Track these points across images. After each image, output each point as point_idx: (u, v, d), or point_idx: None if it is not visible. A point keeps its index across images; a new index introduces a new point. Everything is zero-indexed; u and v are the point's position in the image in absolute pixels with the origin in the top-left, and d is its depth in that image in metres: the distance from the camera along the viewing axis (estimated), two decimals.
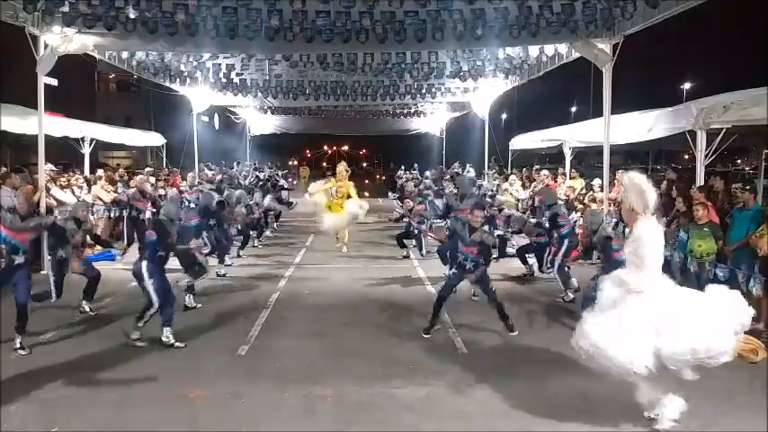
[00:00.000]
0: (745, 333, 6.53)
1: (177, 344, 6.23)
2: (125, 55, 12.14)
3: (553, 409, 4.79)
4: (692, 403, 4.44)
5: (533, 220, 9.66)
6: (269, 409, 4.87)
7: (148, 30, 9.00)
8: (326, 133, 31.37)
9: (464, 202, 8.26)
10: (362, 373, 5.57)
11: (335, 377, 5.48)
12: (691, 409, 4.77)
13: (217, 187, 13.01)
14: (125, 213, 11.14)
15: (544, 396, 5.07)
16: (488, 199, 10.96)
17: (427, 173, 17.44)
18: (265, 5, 8.79)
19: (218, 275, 9.45)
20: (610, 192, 10.55)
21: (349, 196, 11.81)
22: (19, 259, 6.08)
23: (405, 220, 11.95)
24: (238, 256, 11.28)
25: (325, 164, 37.56)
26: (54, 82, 20.32)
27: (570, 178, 13.85)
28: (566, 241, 8.54)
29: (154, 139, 19.36)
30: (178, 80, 14.13)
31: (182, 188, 12.95)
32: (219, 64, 13.23)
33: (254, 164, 22.35)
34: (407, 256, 11.45)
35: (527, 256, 9.57)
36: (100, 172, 14.11)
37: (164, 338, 6.24)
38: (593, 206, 10.66)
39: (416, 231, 11.37)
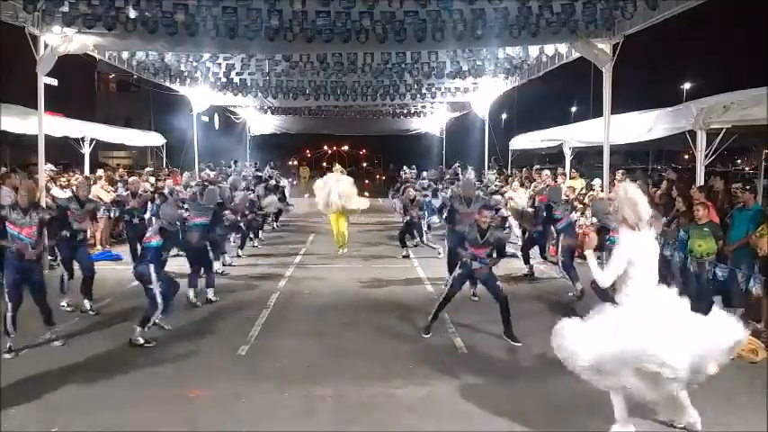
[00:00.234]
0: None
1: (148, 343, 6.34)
2: (125, 55, 12.15)
3: (553, 410, 4.80)
4: (693, 403, 4.44)
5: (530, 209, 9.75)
6: (269, 409, 4.87)
7: (148, 30, 9.00)
8: (326, 133, 31.36)
9: (471, 205, 8.24)
10: (362, 373, 5.57)
11: (335, 377, 5.48)
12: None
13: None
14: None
15: (544, 396, 5.07)
16: (484, 196, 10.95)
17: (424, 173, 17.41)
18: (265, 5, 8.79)
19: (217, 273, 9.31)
20: (610, 192, 10.54)
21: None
22: (29, 255, 6.08)
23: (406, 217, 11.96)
24: (238, 255, 11.29)
25: (325, 164, 37.52)
26: (54, 82, 20.34)
27: (570, 178, 13.84)
28: (561, 236, 8.67)
29: (154, 139, 19.37)
30: (178, 80, 14.15)
31: (177, 189, 12.89)
32: (219, 64, 13.23)
33: (255, 164, 22.30)
34: (407, 256, 11.45)
35: (529, 253, 9.65)
36: (100, 172, 14.12)
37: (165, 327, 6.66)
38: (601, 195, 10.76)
39: (416, 220, 11.42)
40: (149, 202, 10.43)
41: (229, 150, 23.21)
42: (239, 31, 9.07)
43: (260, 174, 17.23)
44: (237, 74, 13.97)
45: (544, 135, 16.26)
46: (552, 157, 20.68)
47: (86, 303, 7.44)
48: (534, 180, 13.94)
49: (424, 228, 11.90)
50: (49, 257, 8.94)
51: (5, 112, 10.43)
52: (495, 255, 6.64)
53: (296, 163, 41.04)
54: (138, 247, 9.90)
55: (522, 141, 18.25)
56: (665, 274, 8.39)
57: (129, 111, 34.54)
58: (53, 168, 11.65)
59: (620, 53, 9.45)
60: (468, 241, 6.61)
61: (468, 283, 7.07)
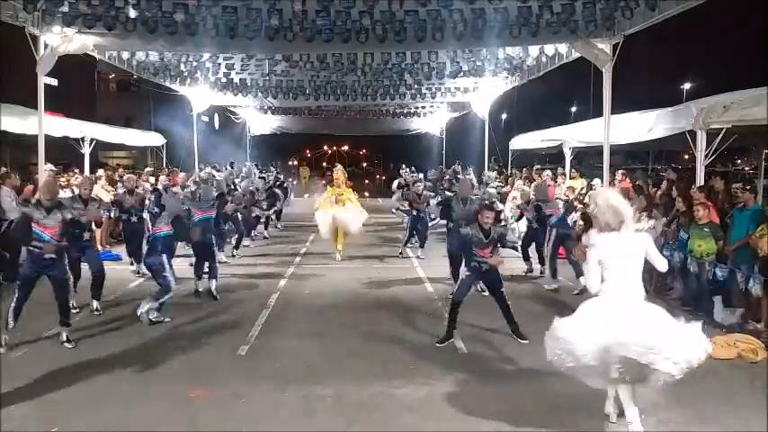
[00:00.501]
0: (745, 333, 6.57)
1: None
2: (125, 55, 12.13)
3: (553, 410, 4.79)
4: (693, 403, 4.44)
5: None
6: (269, 409, 4.87)
7: (148, 30, 8.99)
8: (326, 133, 31.33)
9: (467, 205, 8.37)
10: (362, 373, 5.57)
11: (335, 377, 5.48)
12: (691, 408, 4.79)
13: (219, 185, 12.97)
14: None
15: (544, 396, 5.07)
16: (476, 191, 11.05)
17: (420, 175, 17.41)
18: (265, 5, 8.78)
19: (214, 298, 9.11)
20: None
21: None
22: (49, 252, 6.08)
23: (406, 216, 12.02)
24: (233, 255, 11.31)
25: (325, 164, 37.52)
26: (54, 82, 20.31)
27: (570, 178, 13.85)
28: (554, 231, 8.95)
29: (154, 139, 19.36)
30: (178, 80, 14.13)
31: (174, 189, 12.83)
32: (219, 64, 13.22)
33: (256, 164, 22.24)
34: (402, 255, 11.49)
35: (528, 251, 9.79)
36: (100, 172, 14.11)
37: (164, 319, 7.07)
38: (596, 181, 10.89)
39: (422, 215, 11.51)
40: (146, 200, 10.33)
41: (229, 150, 23.20)
42: (239, 31, 9.06)
43: (263, 176, 17.21)
44: (237, 74, 13.98)
45: (544, 135, 16.26)
46: (552, 157, 20.67)
47: (94, 303, 7.47)
48: (534, 180, 13.94)
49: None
50: None
51: (5, 112, 10.42)
52: (499, 246, 6.69)
53: (296, 163, 41.00)
54: (143, 245, 10.02)
55: (522, 141, 18.25)
56: (666, 275, 8.46)
57: (129, 111, 34.50)
58: (53, 168, 11.64)
59: (620, 53, 9.44)
60: (474, 244, 6.59)
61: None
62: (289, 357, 6.03)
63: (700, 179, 8.45)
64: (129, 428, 4.54)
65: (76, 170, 14.02)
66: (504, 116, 37.53)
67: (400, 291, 8.97)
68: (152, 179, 13.77)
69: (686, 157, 22.31)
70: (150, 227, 10.35)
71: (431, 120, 24.09)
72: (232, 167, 19.70)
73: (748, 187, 8.14)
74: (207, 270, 8.37)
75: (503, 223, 10.49)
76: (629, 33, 9.23)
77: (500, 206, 11.26)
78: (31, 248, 6.07)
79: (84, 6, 8.74)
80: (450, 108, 21.03)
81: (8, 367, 5.52)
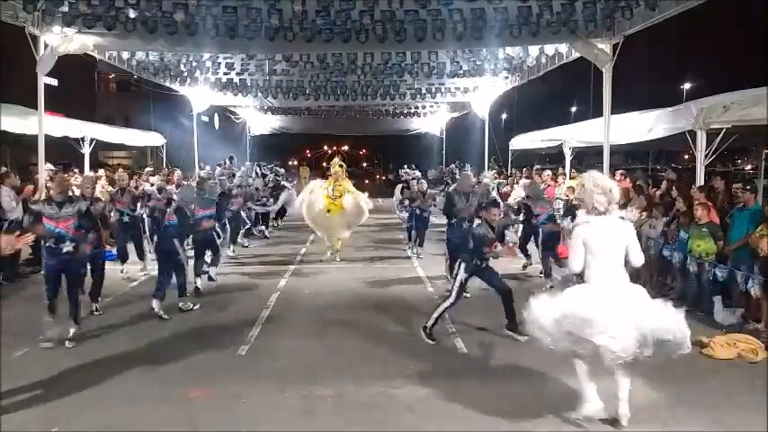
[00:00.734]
0: (745, 333, 6.56)
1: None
2: (125, 55, 12.13)
3: (554, 409, 4.78)
4: (693, 403, 4.44)
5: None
6: (269, 409, 4.87)
7: (148, 30, 8.99)
8: (326, 133, 31.32)
9: (469, 200, 8.58)
10: (362, 373, 5.57)
11: (335, 377, 5.48)
12: (691, 408, 4.79)
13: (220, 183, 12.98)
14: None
15: (544, 396, 5.06)
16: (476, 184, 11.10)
17: (419, 173, 17.44)
18: (265, 5, 8.79)
19: (209, 279, 9.10)
20: None
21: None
22: (67, 247, 6.15)
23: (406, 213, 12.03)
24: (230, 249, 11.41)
25: (325, 164, 37.48)
26: (54, 82, 20.30)
27: (570, 178, 13.84)
28: (541, 229, 9.10)
29: (154, 139, 19.35)
30: (178, 80, 14.13)
31: (169, 188, 12.75)
32: (219, 64, 13.23)
33: (257, 164, 22.19)
34: (415, 253, 11.54)
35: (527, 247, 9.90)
36: (101, 171, 14.10)
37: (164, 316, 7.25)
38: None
39: (426, 214, 11.59)
40: (140, 199, 9.96)
41: (229, 150, 23.17)
42: (239, 31, 9.07)
43: (264, 173, 17.20)
44: (237, 74, 13.97)
45: (544, 135, 16.25)
46: (552, 157, 20.67)
47: (93, 305, 7.42)
48: (534, 180, 13.94)
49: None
50: None
51: (5, 112, 10.42)
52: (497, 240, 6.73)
53: (296, 163, 40.98)
54: (145, 244, 10.08)
55: (522, 141, 18.23)
56: (666, 274, 8.46)
57: (129, 111, 34.50)
58: (53, 168, 11.62)
59: (620, 53, 9.45)
60: (484, 240, 6.60)
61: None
62: (289, 357, 6.02)
63: (700, 179, 8.45)
64: (129, 428, 4.54)
65: (76, 170, 14.01)
66: (504, 116, 37.52)
67: (400, 290, 8.96)
68: (152, 179, 13.75)
69: (686, 157, 22.30)
70: (148, 228, 10.38)
71: (431, 120, 24.08)
72: (231, 162, 19.71)
73: (748, 187, 8.13)
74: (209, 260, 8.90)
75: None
76: (629, 33, 9.23)
77: (497, 198, 11.30)
78: (49, 245, 6.15)
79: (84, 6, 8.75)
80: (450, 108, 21.02)
81: (8, 367, 5.52)
